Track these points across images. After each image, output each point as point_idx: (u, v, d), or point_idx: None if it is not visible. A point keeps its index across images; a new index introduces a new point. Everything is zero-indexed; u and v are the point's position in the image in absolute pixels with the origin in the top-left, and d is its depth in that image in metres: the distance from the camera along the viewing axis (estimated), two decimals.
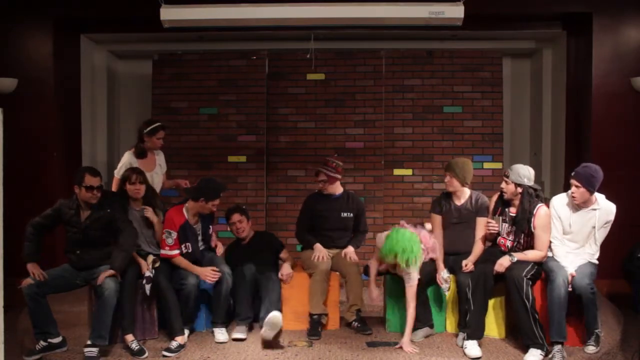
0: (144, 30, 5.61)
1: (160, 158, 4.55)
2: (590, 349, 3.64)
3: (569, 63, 5.67)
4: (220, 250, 4.25)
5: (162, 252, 3.91)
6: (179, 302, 3.82)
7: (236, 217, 4.28)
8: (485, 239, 3.98)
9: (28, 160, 5.18)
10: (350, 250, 4.28)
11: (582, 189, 3.55)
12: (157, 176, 4.46)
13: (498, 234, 3.89)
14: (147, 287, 3.74)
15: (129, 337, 3.65)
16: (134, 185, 3.86)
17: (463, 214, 4.01)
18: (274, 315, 3.69)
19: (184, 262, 3.91)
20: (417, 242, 3.64)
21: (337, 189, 4.37)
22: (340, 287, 4.30)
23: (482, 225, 3.94)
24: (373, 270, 4.05)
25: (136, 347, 3.60)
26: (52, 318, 3.61)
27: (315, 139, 5.86)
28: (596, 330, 3.67)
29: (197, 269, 3.90)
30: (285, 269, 4.20)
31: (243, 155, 5.83)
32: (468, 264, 3.84)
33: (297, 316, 4.15)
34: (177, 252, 3.91)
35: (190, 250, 3.97)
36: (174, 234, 3.88)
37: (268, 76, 5.88)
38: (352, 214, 4.37)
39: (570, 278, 3.55)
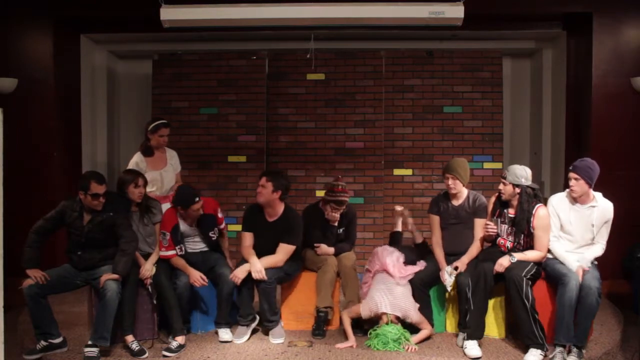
0: (144, 30, 5.61)
1: (172, 157, 4.57)
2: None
3: (569, 63, 5.67)
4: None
5: (161, 253, 3.95)
6: None
7: (262, 180, 3.97)
8: (484, 240, 3.98)
9: (28, 160, 5.18)
10: (328, 248, 4.21)
11: (581, 181, 3.57)
12: (167, 174, 4.46)
13: (497, 235, 3.89)
14: (153, 295, 3.81)
15: (129, 338, 3.65)
16: (138, 188, 3.90)
17: (461, 215, 4.02)
18: None
19: (180, 263, 3.94)
20: (399, 339, 3.69)
21: None
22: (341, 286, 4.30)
23: (481, 226, 3.94)
24: (347, 321, 3.90)
25: (136, 348, 3.61)
26: (53, 318, 3.61)
27: (315, 139, 5.86)
28: (582, 348, 3.46)
29: (189, 271, 3.92)
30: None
31: (243, 155, 5.83)
32: (460, 264, 3.84)
33: (297, 316, 4.15)
34: (173, 252, 3.95)
35: (182, 253, 4.00)
36: (168, 235, 3.93)
37: (268, 76, 5.88)
38: (344, 229, 4.32)
39: (581, 272, 3.52)
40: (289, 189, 4.07)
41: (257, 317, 4.02)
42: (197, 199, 3.91)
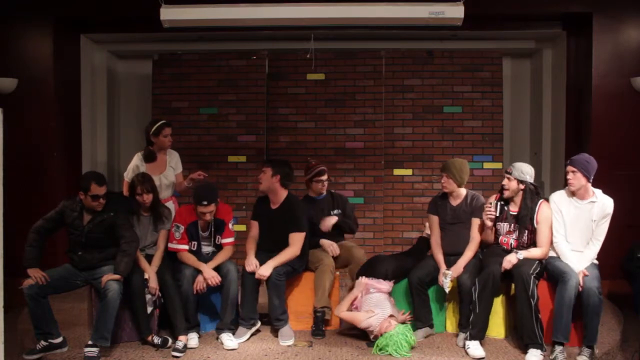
0: (144, 30, 5.61)
1: (172, 159, 4.49)
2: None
3: (569, 63, 5.67)
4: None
5: (170, 245, 3.92)
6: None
7: (263, 167, 4.05)
8: (482, 233, 3.97)
9: (28, 160, 5.18)
10: (332, 219, 4.30)
11: (578, 174, 3.59)
12: (166, 179, 4.37)
13: (498, 235, 3.89)
14: (152, 304, 3.81)
15: (150, 337, 3.73)
16: (140, 196, 3.88)
17: (459, 215, 4.02)
18: None
19: (191, 258, 3.89)
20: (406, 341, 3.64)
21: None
22: (341, 287, 4.30)
23: (477, 226, 3.95)
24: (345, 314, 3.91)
25: (159, 340, 3.71)
26: (53, 318, 3.60)
27: (315, 139, 5.86)
28: (593, 345, 3.50)
29: (203, 267, 3.84)
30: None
31: (243, 155, 5.84)
32: (456, 270, 3.82)
33: (297, 316, 4.14)
34: (185, 247, 3.92)
35: (195, 249, 3.97)
36: (182, 228, 3.90)
37: (268, 76, 5.89)
38: (340, 211, 4.40)
39: (582, 276, 3.53)
40: (290, 175, 4.10)
41: (259, 322, 4.01)
42: (204, 202, 3.81)
